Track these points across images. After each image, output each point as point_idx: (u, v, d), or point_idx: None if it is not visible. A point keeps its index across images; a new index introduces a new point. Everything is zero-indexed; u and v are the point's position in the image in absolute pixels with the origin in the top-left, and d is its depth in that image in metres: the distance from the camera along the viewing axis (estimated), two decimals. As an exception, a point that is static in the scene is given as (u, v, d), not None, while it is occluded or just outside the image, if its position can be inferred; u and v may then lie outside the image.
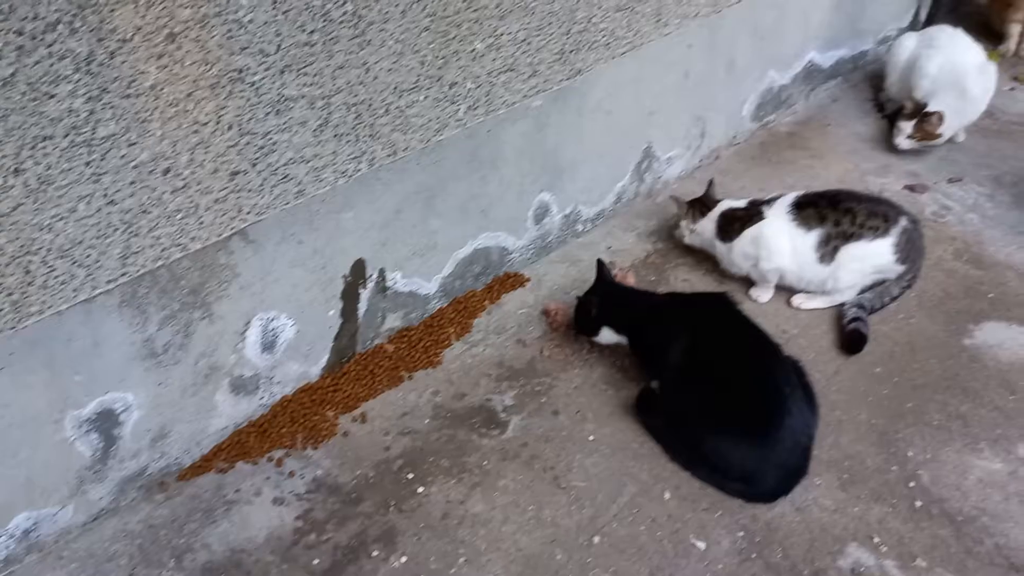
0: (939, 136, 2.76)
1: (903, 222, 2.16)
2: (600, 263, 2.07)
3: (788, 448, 1.77)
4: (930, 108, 2.74)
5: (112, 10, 1.27)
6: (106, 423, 1.57)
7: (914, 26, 3.42)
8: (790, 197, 2.21)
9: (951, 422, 1.96)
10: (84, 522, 1.63)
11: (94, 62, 1.28)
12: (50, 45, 1.23)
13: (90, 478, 1.60)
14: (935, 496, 1.79)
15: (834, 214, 2.14)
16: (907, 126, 2.77)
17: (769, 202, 2.24)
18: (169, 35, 1.35)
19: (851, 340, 2.11)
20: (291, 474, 1.76)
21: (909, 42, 2.97)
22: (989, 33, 3.51)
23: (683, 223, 2.34)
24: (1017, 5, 3.41)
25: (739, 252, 2.22)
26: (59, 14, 1.22)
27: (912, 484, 1.81)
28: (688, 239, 2.35)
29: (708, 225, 2.27)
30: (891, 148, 2.89)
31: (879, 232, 2.13)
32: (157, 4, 1.31)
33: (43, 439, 1.50)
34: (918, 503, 1.78)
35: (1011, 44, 3.51)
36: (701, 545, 1.68)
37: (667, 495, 1.77)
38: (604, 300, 2.00)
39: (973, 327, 2.21)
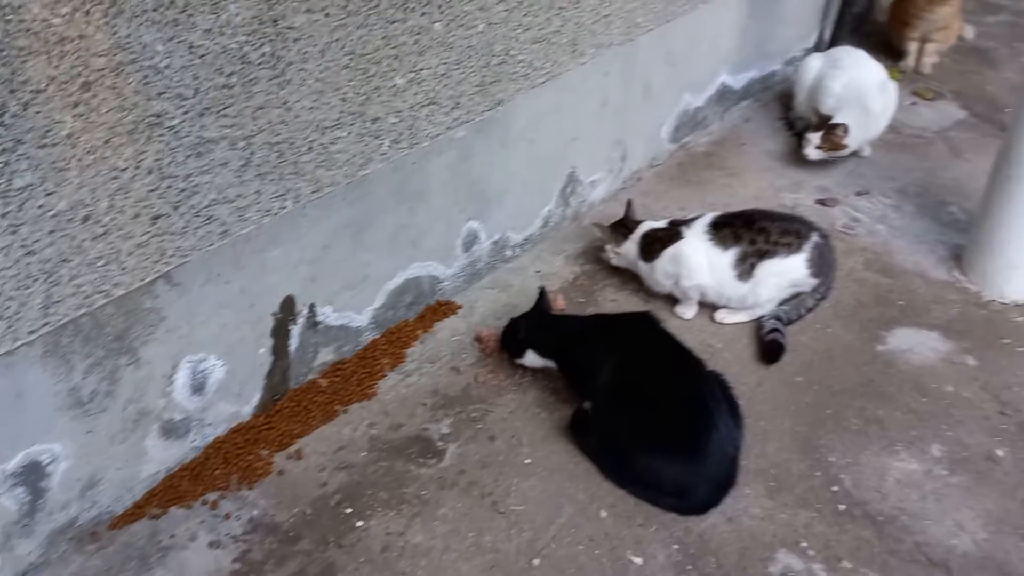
0: (845, 147, 2.89)
1: (814, 238, 2.26)
2: (542, 291, 2.13)
3: (716, 460, 1.83)
4: (835, 121, 2.87)
5: (24, 61, 1.26)
6: (32, 476, 1.54)
7: (819, 47, 3.57)
8: (708, 217, 2.30)
9: (869, 426, 2.05)
10: (12, 579, 1.59)
11: (7, 114, 1.27)
12: (-39, 98, 1.22)
13: (17, 533, 1.56)
14: (857, 499, 1.87)
15: (749, 233, 2.23)
16: (815, 137, 2.90)
17: (688, 222, 2.31)
18: (84, 84, 1.34)
19: (770, 350, 2.20)
20: (227, 516, 1.75)
21: (815, 63, 3.11)
22: (889, 51, 3.69)
23: (608, 247, 2.40)
24: (913, 25, 3.59)
25: (660, 271, 2.29)
26: (-31, 67, 1.21)
27: (835, 488, 1.89)
28: (615, 261, 2.42)
29: (631, 247, 2.34)
30: (802, 164, 3.01)
31: (792, 248, 2.22)
32: (71, 54, 1.31)
33: (-35, 497, 1.47)
34: (841, 507, 1.85)
35: (910, 61, 3.69)
36: (638, 561, 1.72)
37: (603, 513, 1.81)
38: (530, 324, 2.04)
39: (885, 334, 2.32)
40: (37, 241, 1.37)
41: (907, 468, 1.95)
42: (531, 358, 2.04)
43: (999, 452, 1.99)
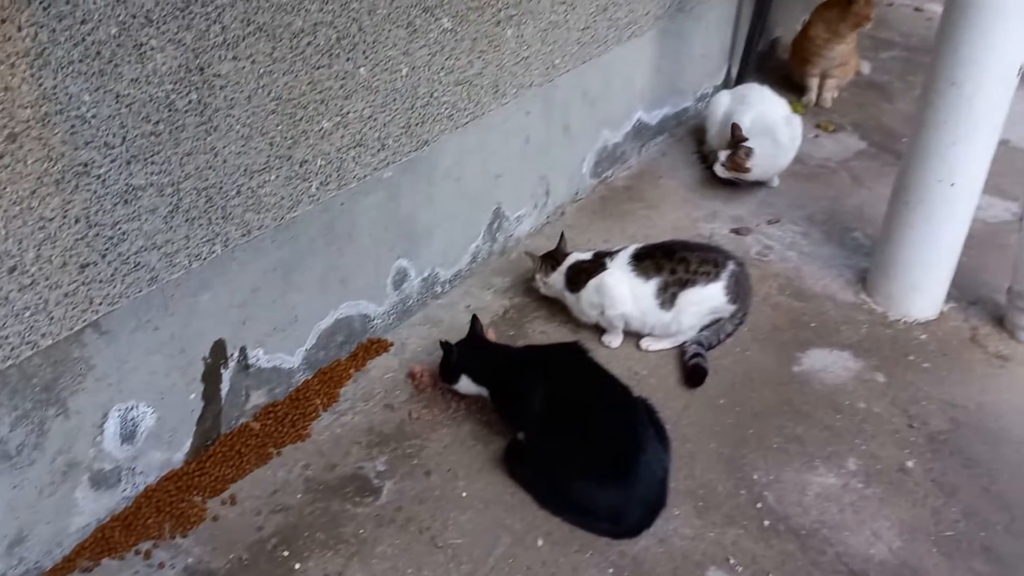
0: (747, 170, 3.02)
1: (731, 266, 2.36)
2: (474, 318, 2.18)
3: (646, 484, 1.90)
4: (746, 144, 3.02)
5: (-53, 113, 1.26)
6: (-44, 535, 1.50)
7: (727, 83, 3.75)
8: (630, 249, 2.38)
9: (789, 444, 2.14)
10: (-65, 644, 1.54)
11: (-70, 166, 1.26)
12: None
13: (-60, 595, 1.52)
14: (780, 514, 1.96)
15: (670, 263, 2.32)
16: (723, 155, 3.05)
17: (612, 254, 2.40)
18: (10, 135, 1.34)
19: (693, 374, 2.28)
20: (161, 565, 1.72)
21: (724, 99, 3.27)
22: (792, 86, 3.89)
23: (538, 276, 2.46)
24: (813, 62, 3.80)
25: (586, 301, 2.36)
26: None
27: (759, 505, 1.97)
28: (544, 290, 2.48)
29: (558, 278, 2.41)
30: (717, 196, 3.15)
31: (711, 277, 2.33)
32: (-5, 105, 1.31)
33: None
34: (766, 522, 1.93)
35: (812, 96, 3.90)
36: (575, 586, 1.76)
37: (540, 542, 1.84)
38: (464, 350, 2.08)
39: (800, 355, 2.43)
40: (-39, 294, 1.36)
41: (826, 482, 2.04)
42: (464, 384, 2.08)
43: (909, 464, 2.10)
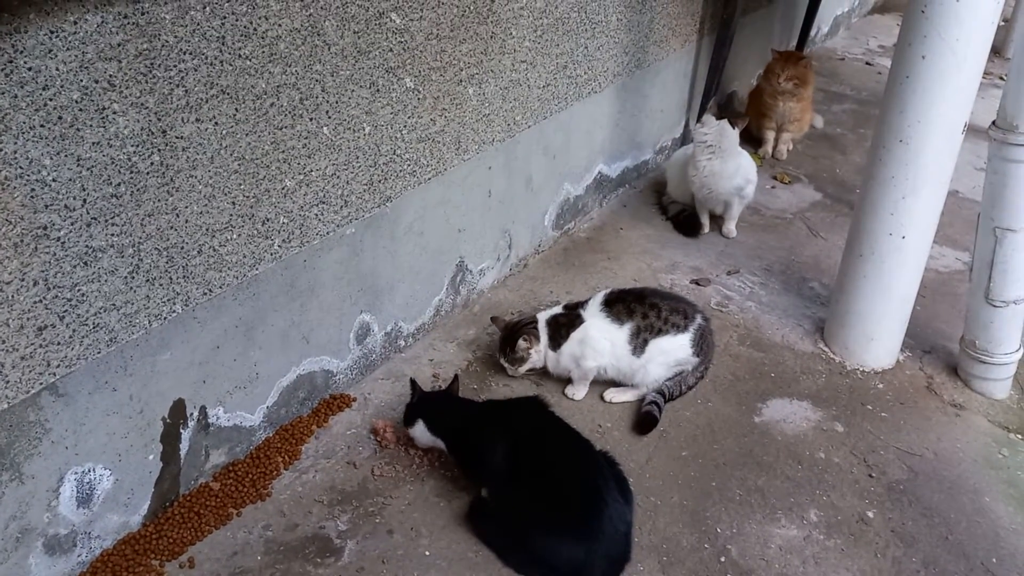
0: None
1: (698, 319, 2.40)
2: (455, 377, 2.21)
3: (609, 538, 1.88)
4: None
5: (-96, 179, 1.25)
6: (-98, 608, 1.46)
7: (685, 138, 3.84)
8: (599, 296, 2.41)
9: (751, 496, 2.16)
10: None
11: None
12: None
13: None
14: (744, 568, 1.96)
15: (641, 308, 2.35)
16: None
17: (582, 304, 2.41)
18: (-32, 199, 1.34)
19: (643, 421, 2.31)
20: (116, 634, 1.68)
21: (685, 150, 3.35)
22: (749, 139, 4.00)
23: (533, 350, 2.37)
24: (770, 116, 3.92)
25: (568, 355, 2.36)
26: None
27: (723, 559, 1.98)
28: (538, 364, 2.40)
29: (543, 337, 2.39)
30: (677, 247, 3.22)
31: (680, 328, 2.36)
32: (-46, 170, 1.31)
33: None
34: (730, 576, 1.95)
35: (768, 148, 4.01)
36: (540, 646, 1.75)
37: (504, 600, 1.83)
38: (425, 397, 2.09)
39: (761, 405, 2.47)
40: (-86, 359, 1.34)
41: (788, 534, 2.06)
42: (419, 430, 2.07)
43: (869, 514, 2.13)
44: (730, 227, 3.33)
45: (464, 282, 2.72)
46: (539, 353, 2.40)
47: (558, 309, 2.45)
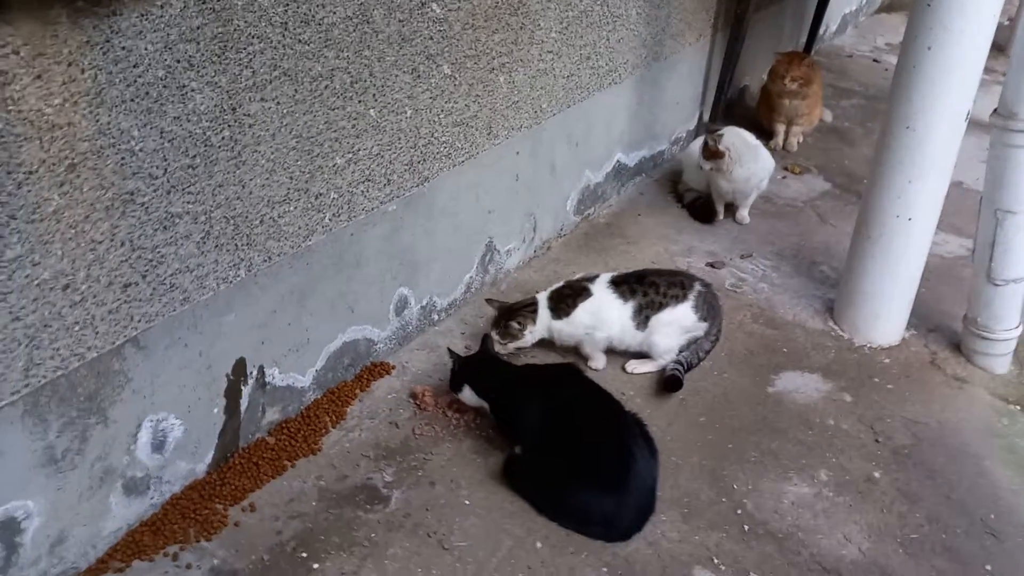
0: (723, 153, 3.21)
1: (697, 287, 2.55)
2: (486, 336, 2.38)
3: (637, 491, 2.04)
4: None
5: (20, 146, 1.41)
6: (8, 532, 1.61)
7: (699, 129, 3.98)
8: (606, 276, 2.56)
9: (765, 457, 2.31)
10: (-17, 636, 1.64)
11: (3, 192, 1.41)
12: (-36, 178, 1.36)
13: (-10, 590, 1.63)
14: (759, 520, 2.11)
15: (642, 287, 2.51)
16: (696, 150, 3.31)
17: (590, 280, 2.56)
18: (70, 165, 1.50)
19: (669, 382, 2.46)
20: (188, 566, 1.83)
21: (701, 141, 3.49)
22: (760, 132, 4.13)
23: (527, 331, 2.50)
24: (779, 111, 4.07)
25: (577, 323, 2.51)
26: (-27, 151, 1.36)
27: (740, 512, 2.13)
28: (530, 341, 2.52)
29: (544, 314, 2.53)
30: (693, 233, 3.37)
31: (679, 299, 2.51)
32: (59, 139, 1.47)
33: (-56, 554, 1.53)
34: (746, 527, 2.09)
35: (779, 140, 4.15)
36: (572, 584, 1.90)
37: (539, 544, 1.98)
38: (470, 364, 2.24)
39: (774, 377, 2.61)
40: (23, 308, 1.50)
41: (799, 491, 2.21)
42: (467, 395, 2.23)
43: (876, 474, 2.27)
44: (743, 214, 3.47)
45: (493, 261, 2.87)
46: (532, 333, 2.52)
47: (560, 284, 2.59)
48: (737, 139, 3.26)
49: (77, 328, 1.60)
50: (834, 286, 3.00)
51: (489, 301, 2.61)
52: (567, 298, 2.53)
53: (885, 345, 2.79)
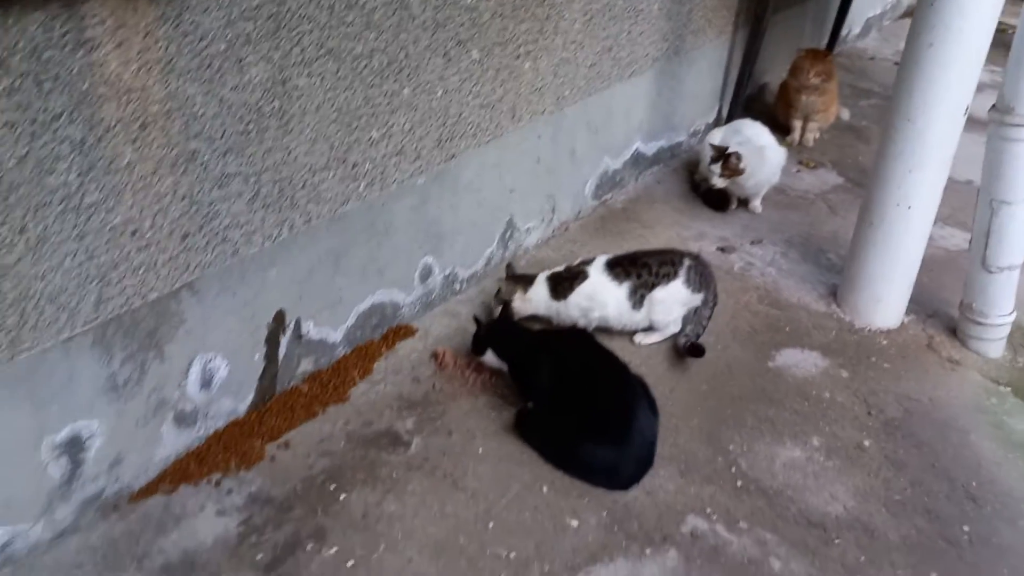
0: (742, 171, 3.37)
1: (687, 262, 2.69)
2: (505, 303, 2.56)
3: (639, 445, 2.22)
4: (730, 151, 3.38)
5: (101, 105, 1.62)
6: (74, 448, 1.83)
7: (718, 122, 4.14)
8: (602, 259, 2.71)
9: (762, 423, 2.47)
10: (50, 539, 1.85)
11: (86, 145, 1.62)
12: (55, 131, 1.56)
13: (58, 498, 1.83)
14: (752, 477, 2.28)
15: (635, 269, 2.66)
16: (716, 167, 3.40)
17: (587, 263, 2.71)
18: (142, 124, 1.70)
19: (695, 348, 2.63)
20: (229, 492, 2.04)
21: (718, 132, 3.65)
22: (777, 127, 4.28)
23: (516, 297, 2.67)
24: (796, 106, 4.21)
25: (574, 305, 2.67)
26: (63, 107, 1.56)
27: (734, 469, 2.30)
28: (521, 309, 2.69)
29: (540, 290, 2.69)
30: (706, 219, 3.53)
31: (671, 276, 2.66)
32: (134, 100, 1.67)
33: (23, 461, 1.74)
34: (739, 483, 2.25)
35: (795, 136, 4.30)
36: (574, 523, 2.08)
37: (545, 489, 2.17)
38: (492, 329, 2.43)
39: (775, 353, 2.77)
40: (96, 248, 1.71)
41: (792, 455, 2.37)
42: (489, 356, 2.42)
43: (866, 443, 2.43)
44: (756, 204, 3.63)
45: (512, 238, 3.06)
46: (524, 302, 2.67)
47: (560, 268, 2.75)
48: (748, 146, 3.42)
49: (142, 270, 1.81)
50: (839, 273, 3.15)
51: (508, 266, 2.80)
52: (565, 280, 2.69)
53: (884, 328, 2.93)
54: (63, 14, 1.51)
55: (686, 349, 2.65)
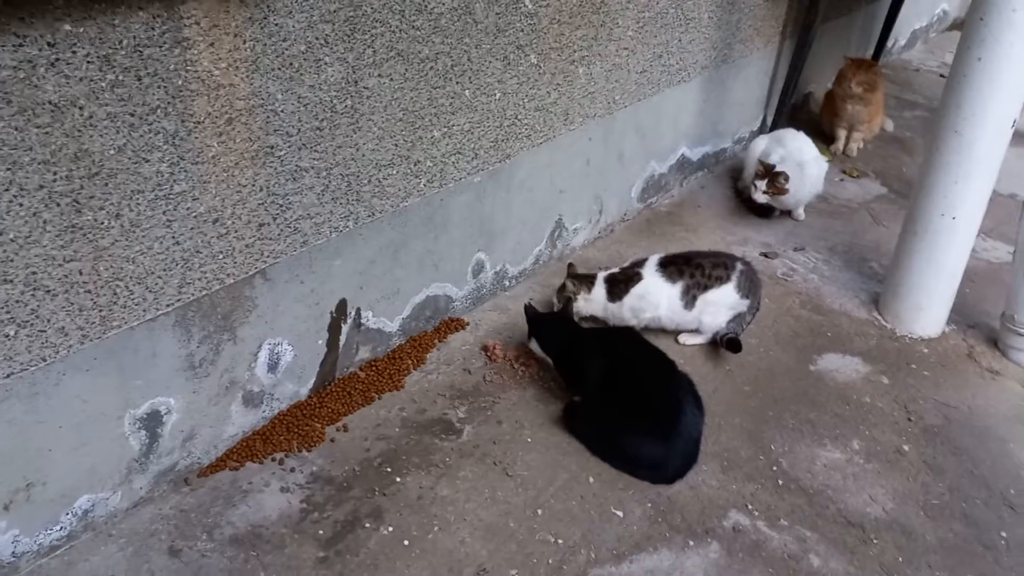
0: (787, 191, 3.43)
1: (739, 267, 2.76)
2: (568, 300, 2.67)
3: (684, 441, 2.29)
4: (777, 169, 3.44)
5: (192, 100, 1.73)
6: (153, 422, 1.94)
7: (763, 130, 4.19)
8: (655, 258, 2.79)
9: (803, 425, 2.53)
10: (127, 507, 1.96)
11: (177, 137, 1.73)
12: (151, 123, 1.68)
13: (136, 469, 1.95)
14: (793, 477, 2.34)
15: (689, 268, 2.73)
16: (761, 184, 3.45)
17: (639, 263, 2.79)
18: (228, 119, 1.81)
19: (732, 342, 2.70)
20: (292, 470, 2.15)
21: (761, 141, 3.71)
22: (822, 136, 4.33)
23: (580, 297, 2.75)
24: (841, 116, 4.25)
25: (628, 307, 2.74)
26: (159, 101, 1.67)
27: (775, 468, 2.36)
28: (584, 309, 2.77)
29: (599, 291, 2.77)
30: (749, 224, 3.59)
31: (723, 280, 2.73)
32: (222, 96, 1.78)
33: (107, 432, 1.85)
34: (780, 482, 2.32)
35: (840, 145, 4.34)
36: (619, 513, 2.16)
37: (591, 480, 2.25)
38: (538, 322, 2.53)
39: (817, 357, 2.83)
40: (182, 235, 1.82)
41: (832, 456, 2.43)
42: (533, 345, 2.52)
43: (905, 447, 2.48)
44: (799, 212, 3.68)
45: (560, 238, 3.14)
46: (587, 301, 2.75)
47: (615, 269, 2.82)
48: (788, 161, 3.48)
49: (221, 256, 1.92)
50: (881, 281, 3.19)
51: (570, 265, 2.87)
52: (620, 282, 2.76)
53: (925, 336, 2.97)
54: (163, 14, 1.62)
55: (724, 342, 2.71)
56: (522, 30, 2.50)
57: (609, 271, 2.82)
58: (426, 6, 2.16)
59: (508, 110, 2.60)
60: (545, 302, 2.95)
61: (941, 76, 5.62)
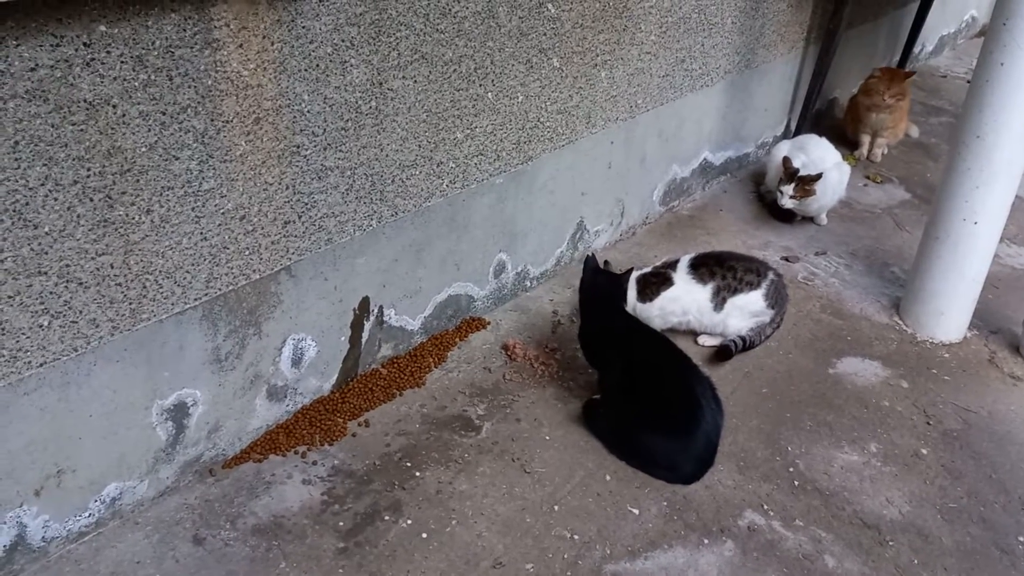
0: (815, 192, 3.42)
1: (770, 275, 2.78)
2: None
3: (702, 443, 2.30)
4: (803, 173, 3.44)
5: (222, 100, 1.78)
6: (179, 414, 1.99)
7: (787, 135, 4.20)
8: (686, 259, 2.81)
9: (820, 427, 2.53)
10: (153, 496, 2.02)
11: (207, 135, 1.78)
12: (182, 122, 1.73)
13: (162, 459, 2.00)
14: (809, 478, 2.35)
15: (721, 270, 2.75)
16: (788, 188, 3.45)
17: (671, 265, 2.82)
18: (256, 119, 1.86)
19: (720, 352, 2.73)
20: (314, 463, 2.19)
21: (784, 146, 3.72)
22: (846, 142, 4.33)
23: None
24: (865, 121, 4.25)
25: (657, 308, 2.77)
26: (189, 101, 1.73)
27: (791, 469, 2.37)
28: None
29: (631, 292, 2.75)
30: (770, 228, 3.60)
31: (754, 285, 2.75)
32: (250, 96, 1.83)
33: (136, 422, 1.91)
34: (796, 483, 2.33)
35: (863, 150, 4.33)
36: (635, 511, 2.18)
37: (608, 477, 2.27)
38: (590, 276, 2.53)
39: (836, 360, 2.83)
40: (210, 231, 1.87)
41: (849, 459, 2.43)
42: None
43: (924, 451, 2.48)
44: (822, 217, 3.68)
45: (582, 240, 3.17)
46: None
47: (648, 269, 2.84)
48: (809, 168, 3.48)
49: (247, 253, 1.97)
50: (903, 286, 3.19)
51: (606, 263, 2.88)
52: (652, 284, 2.78)
53: (946, 341, 2.96)
54: (194, 16, 1.67)
55: (716, 351, 2.74)
56: (545, 34, 2.54)
57: (641, 271, 2.83)
58: (450, 10, 2.20)
59: (530, 113, 2.64)
60: (564, 302, 2.98)
61: (968, 82, 5.58)
